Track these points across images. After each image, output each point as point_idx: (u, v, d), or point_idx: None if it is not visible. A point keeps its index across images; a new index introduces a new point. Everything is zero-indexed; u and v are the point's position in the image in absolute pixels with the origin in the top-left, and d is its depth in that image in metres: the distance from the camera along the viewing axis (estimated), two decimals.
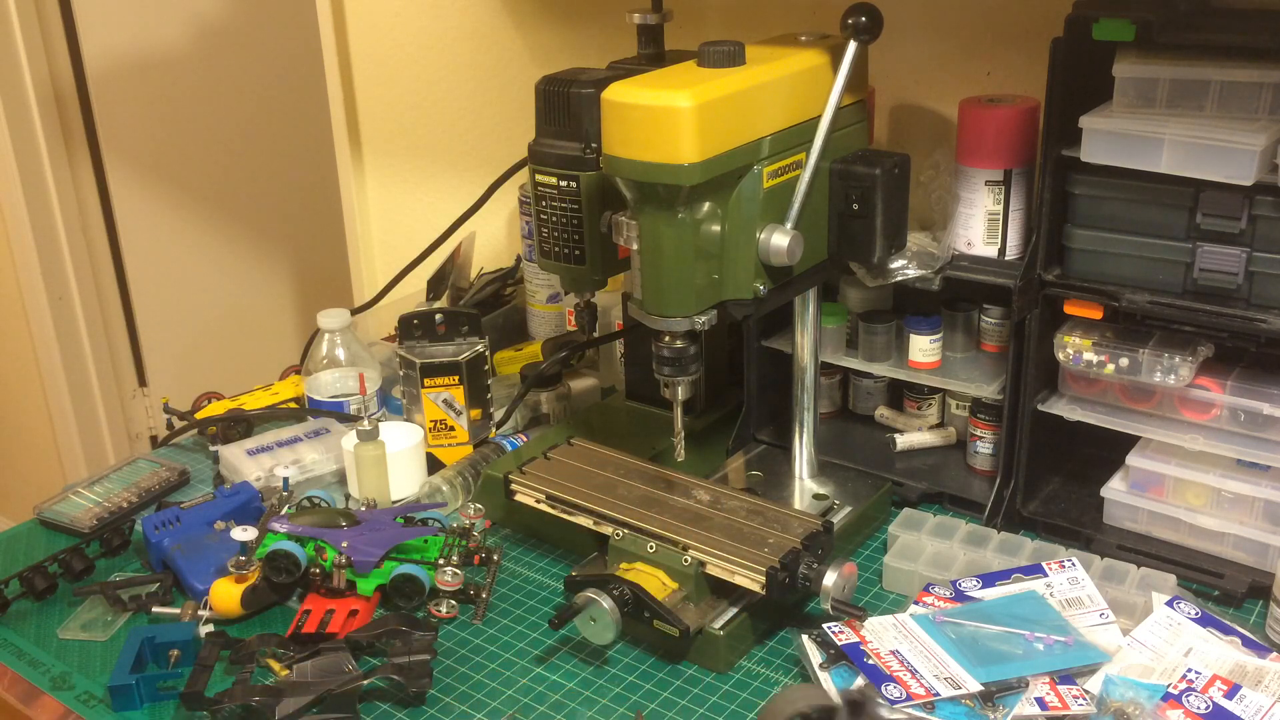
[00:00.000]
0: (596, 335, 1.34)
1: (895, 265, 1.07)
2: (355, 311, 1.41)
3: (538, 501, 1.07)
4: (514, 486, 1.09)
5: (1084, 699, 0.84)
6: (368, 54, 1.74)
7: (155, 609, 1.04)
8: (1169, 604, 0.93)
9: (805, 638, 0.93)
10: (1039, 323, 1.03)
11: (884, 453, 1.21)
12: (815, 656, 0.91)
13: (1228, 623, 0.92)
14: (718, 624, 0.94)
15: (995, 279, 1.06)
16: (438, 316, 1.25)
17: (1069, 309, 1.02)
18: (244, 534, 1.05)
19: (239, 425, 1.33)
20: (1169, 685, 0.83)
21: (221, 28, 2.58)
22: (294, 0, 2.21)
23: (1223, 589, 1.00)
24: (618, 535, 1.00)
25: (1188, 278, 0.97)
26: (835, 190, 0.98)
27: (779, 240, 0.92)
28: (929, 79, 1.26)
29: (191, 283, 2.71)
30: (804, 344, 1.08)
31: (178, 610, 1.03)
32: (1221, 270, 0.95)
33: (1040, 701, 0.84)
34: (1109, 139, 0.94)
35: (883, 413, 1.26)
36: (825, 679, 0.88)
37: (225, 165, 2.67)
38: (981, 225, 1.10)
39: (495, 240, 1.71)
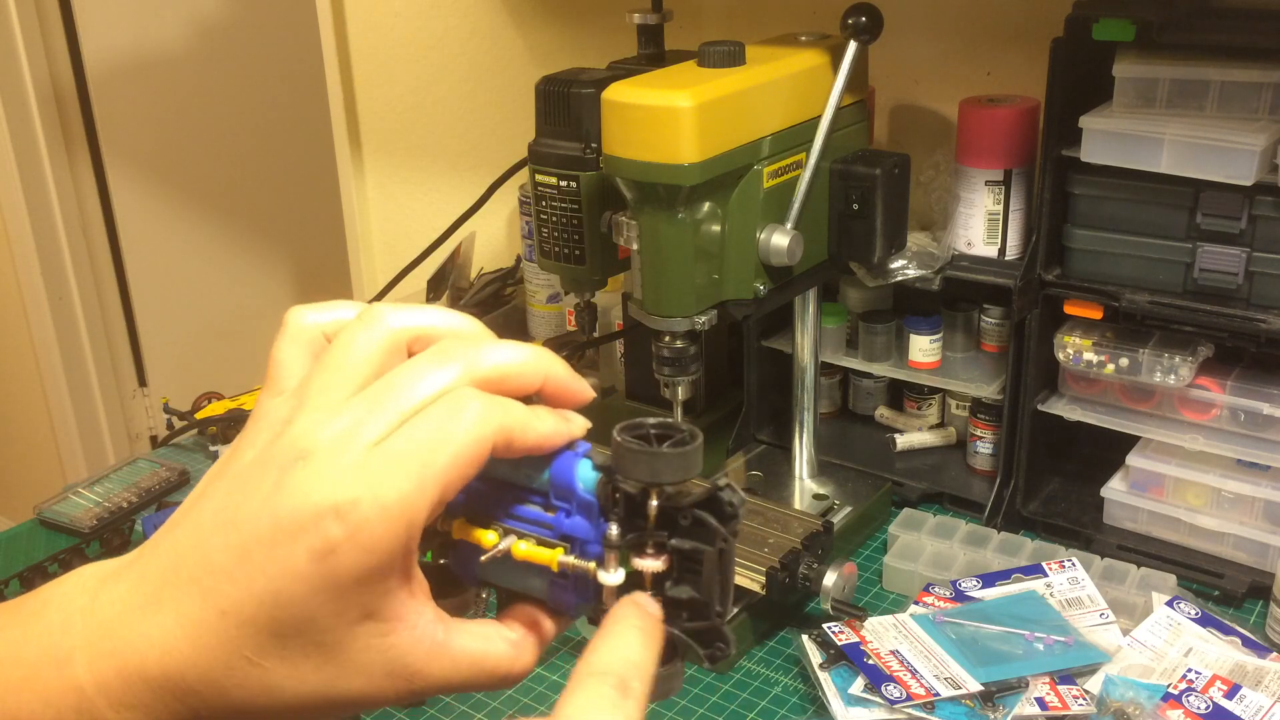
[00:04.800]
0: (596, 335, 1.34)
1: (895, 265, 1.07)
2: None
3: None
4: None
5: (1084, 699, 0.84)
6: (368, 54, 1.74)
7: None
8: (1169, 604, 0.93)
9: (805, 638, 0.93)
10: (1039, 323, 1.03)
11: (884, 453, 1.21)
12: (815, 656, 0.91)
13: (1228, 623, 0.92)
14: None
15: (995, 279, 1.06)
16: None
17: (1069, 309, 1.02)
18: None
19: (239, 425, 1.32)
20: (1169, 685, 0.83)
21: (221, 28, 2.58)
22: (294, 0, 2.21)
23: (1223, 589, 1.00)
24: None
25: (1188, 278, 0.97)
26: (835, 190, 0.98)
27: (779, 240, 0.92)
28: (929, 79, 1.26)
29: (191, 283, 2.71)
30: (804, 344, 1.08)
31: None
32: (1221, 270, 0.95)
33: (1040, 701, 0.84)
34: (1109, 139, 0.94)
35: (883, 413, 1.26)
36: (825, 679, 0.88)
37: (225, 165, 2.67)
38: (981, 225, 1.10)
39: (495, 240, 1.70)
